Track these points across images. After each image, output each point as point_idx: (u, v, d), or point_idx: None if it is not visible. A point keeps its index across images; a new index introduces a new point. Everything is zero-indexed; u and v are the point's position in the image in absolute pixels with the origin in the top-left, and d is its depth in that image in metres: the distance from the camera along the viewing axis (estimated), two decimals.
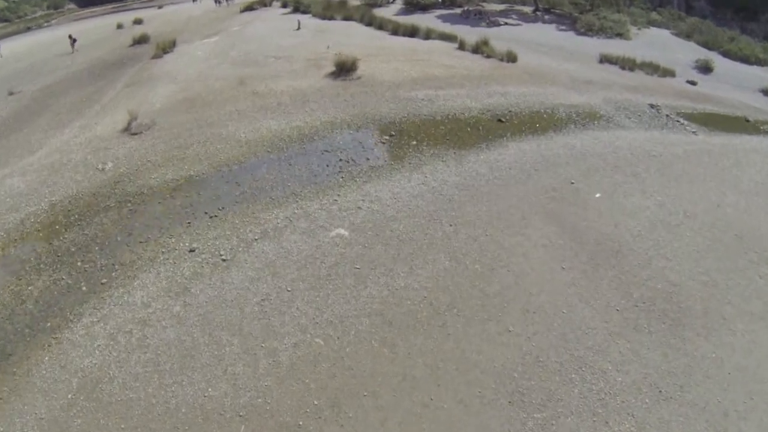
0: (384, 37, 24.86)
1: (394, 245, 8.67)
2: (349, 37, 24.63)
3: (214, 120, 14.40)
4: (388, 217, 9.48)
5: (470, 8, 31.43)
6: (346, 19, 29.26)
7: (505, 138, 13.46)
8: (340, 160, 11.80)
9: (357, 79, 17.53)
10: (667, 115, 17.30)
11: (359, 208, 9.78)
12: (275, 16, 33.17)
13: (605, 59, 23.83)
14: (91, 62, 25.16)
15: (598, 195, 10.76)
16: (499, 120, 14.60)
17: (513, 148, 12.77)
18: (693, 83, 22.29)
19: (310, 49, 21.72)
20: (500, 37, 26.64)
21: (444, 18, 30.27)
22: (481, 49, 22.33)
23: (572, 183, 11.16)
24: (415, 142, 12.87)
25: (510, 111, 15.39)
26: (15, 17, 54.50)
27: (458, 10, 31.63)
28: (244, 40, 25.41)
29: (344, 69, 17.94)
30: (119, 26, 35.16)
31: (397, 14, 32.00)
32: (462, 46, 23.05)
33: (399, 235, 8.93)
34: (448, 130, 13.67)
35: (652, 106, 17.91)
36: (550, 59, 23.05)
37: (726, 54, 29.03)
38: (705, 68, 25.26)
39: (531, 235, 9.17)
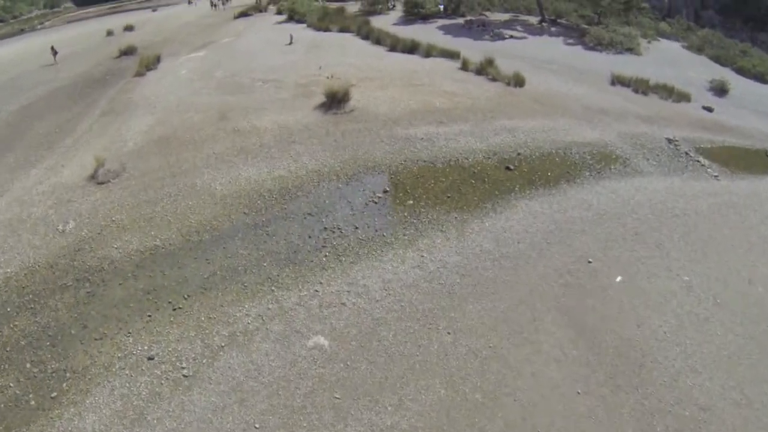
0: (381, 55, 23.35)
1: (381, 364, 7.37)
2: (343, 54, 23.13)
3: (188, 166, 13.07)
4: (377, 319, 8.17)
5: (473, 18, 29.82)
6: (342, 30, 27.67)
7: (513, 194, 12.13)
8: (325, 228, 10.47)
9: (350, 112, 16.12)
10: (686, 153, 15.99)
11: (343, 303, 8.46)
12: (269, 25, 31.63)
13: (617, 80, 22.39)
14: (74, 78, 23.71)
15: (618, 279, 9.47)
16: (507, 168, 13.25)
17: (522, 210, 11.44)
18: (709, 109, 20.89)
19: (300, 71, 20.28)
20: (505, 52, 25.13)
21: (446, 29, 28.67)
22: (485, 70, 20.86)
23: (589, 262, 9.85)
24: (411, 201, 11.56)
25: (519, 153, 14.04)
26: (10, 17, 52.89)
27: (461, 20, 30.01)
28: (232, 55, 23.95)
29: (336, 99, 16.47)
30: (109, 33, 33.61)
31: (397, 23, 30.44)
32: (465, 66, 21.57)
33: (387, 348, 7.63)
34: (449, 184, 12.32)
35: (669, 141, 16.59)
36: (560, 81, 21.59)
37: (740, 71, 27.77)
38: (720, 90, 23.86)
39: (542, 343, 7.88)
